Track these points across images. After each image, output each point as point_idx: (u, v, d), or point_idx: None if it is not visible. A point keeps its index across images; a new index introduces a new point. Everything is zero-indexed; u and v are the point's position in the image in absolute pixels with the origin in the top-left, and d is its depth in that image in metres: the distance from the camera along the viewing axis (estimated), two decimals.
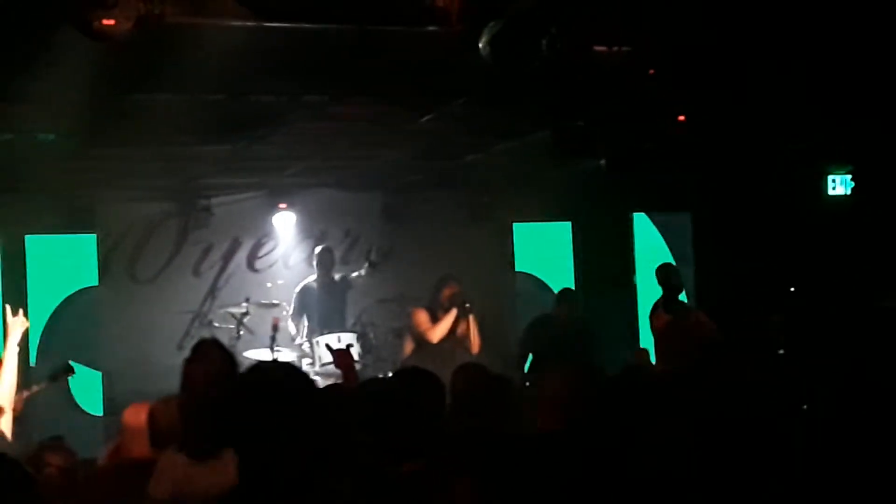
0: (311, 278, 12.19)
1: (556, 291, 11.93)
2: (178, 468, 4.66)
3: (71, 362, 7.52)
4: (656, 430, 4.30)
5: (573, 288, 12.15)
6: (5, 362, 6.00)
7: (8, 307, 6.20)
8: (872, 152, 11.54)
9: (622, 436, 4.25)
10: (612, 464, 4.16)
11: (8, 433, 5.75)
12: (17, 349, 6.06)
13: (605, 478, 4.11)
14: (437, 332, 10.40)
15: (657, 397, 4.57)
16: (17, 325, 6.16)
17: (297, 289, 12.15)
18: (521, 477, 4.26)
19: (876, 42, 8.11)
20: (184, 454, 4.68)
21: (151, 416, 5.36)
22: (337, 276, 12.21)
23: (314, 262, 12.28)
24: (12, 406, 6.01)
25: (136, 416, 5.78)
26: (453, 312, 10.43)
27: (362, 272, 12.37)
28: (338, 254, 12.83)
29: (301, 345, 11.83)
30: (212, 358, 4.89)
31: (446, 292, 10.54)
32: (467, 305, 10.51)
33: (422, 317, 10.55)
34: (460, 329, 10.58)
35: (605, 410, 4.46)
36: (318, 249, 12.42)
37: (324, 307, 11.82)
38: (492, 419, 5.26)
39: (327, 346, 8.29)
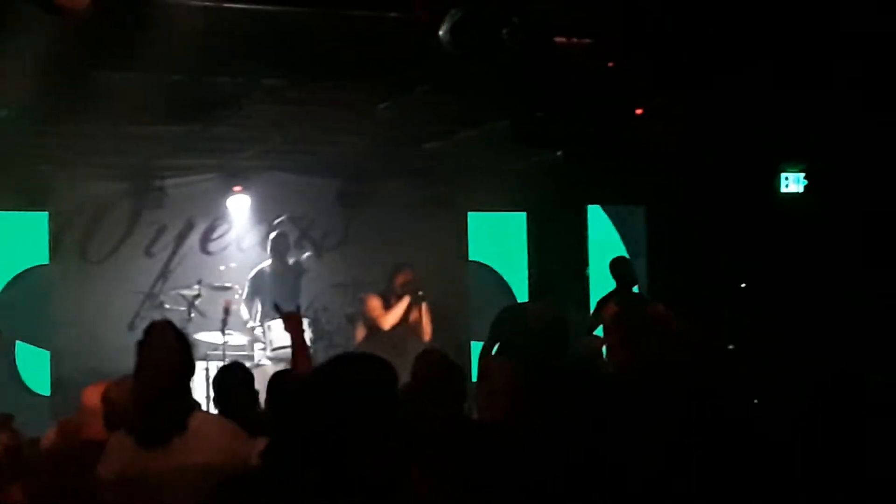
0: (266, 263, 12.16)
1: (507, 281, 11.96)
2: (127, 451, 4.63)
3: (13, 336, 7.40)
4: (608, 423, 4.32)
5: (514, 278, 12.14)
6: None
7: None
8: (826, 151, 11.64)
9: (569, 428, 4.26)
10: (558, 455, 4.17)
11: None
12: None
13: (552, 468, 4.12)
14: (390, 319, 10.43)
15: (606, 389, 4.59)
16: None
17: (251, 273, 12.11)
18: (470, 464, 4.27)
19: (831, 40, 8.18)
20: (133, 438, 4.64)
21: (105, 397, 5.33)
22: (291, 261, 12.19)
23: (268, 247, 12.25)
24: None
25: (95, 396, 5.76)
26: (406, 299, 10.46)
27: (309, 254, 12.39)
28: (292, 238, 12.79)
29: (253, 328, 11.80)
30: (166, 340, 4.82)
31: (400, 279, 10.58)
32: (420, 293, 10.54)
33: (374, 303, 10.58)
34: (413, 316, 10.61)
35: (549, 402, 4.46)
36: (272, 234, 12.38)
37: (277, 292, 11.78)
38: (450, 406, 5.28)
39: (275, 305, 8.12)
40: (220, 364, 10.69)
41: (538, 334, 10.52)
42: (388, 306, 10.55)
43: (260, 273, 12.06)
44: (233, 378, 6.49)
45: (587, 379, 4.70)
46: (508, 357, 10.17)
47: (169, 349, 4.77)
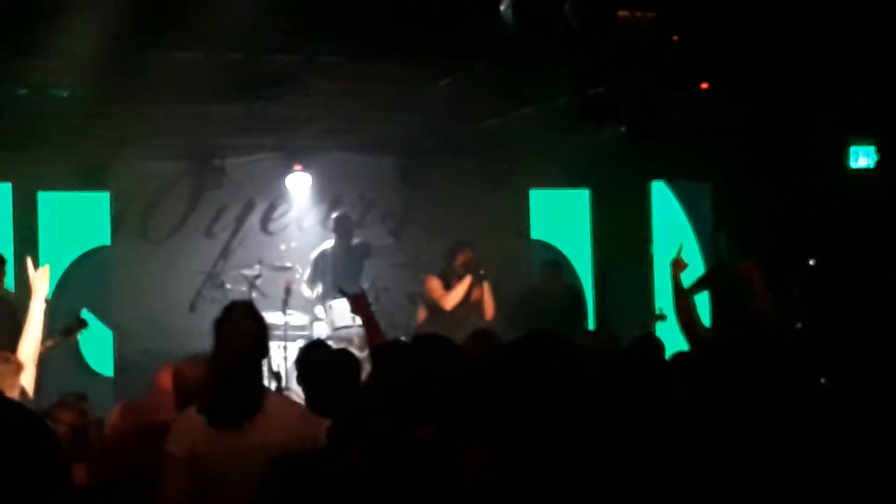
0: (328, 243, 12.14)
1: (561, 263, 11.84)
2: (197, 430, 4.60)
3: (83, 315, 7.41)
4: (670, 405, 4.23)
5: (577, 255, 11.98)
6: (31, 318, 5.92)
7: (30, 261, 6.11)
8: None
9: (629, 412, 4.17)
10: (617, 441, 4.09)
11: (30, 389, 5.67)
12: (43, 305, 5.98)
13: (611, 452, 4.03)
14: (451, 299, 10.36)
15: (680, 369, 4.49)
16: (41, 279, 6.07)
17: (315, 254, 12.10)
18: (533, 451, 4.18)
19: None
20: (204, 417, 4.60)
21: (177, 376, 5.31)
22: (355, 242, 12.16)
23: (332, 227, 12.23)
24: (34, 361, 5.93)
25: (168, 377, 5.73)
26: (467, 279, 10.37)
27: (389, 241, 12.39)
28: (353, 217, 12.77)
29: (314, 308, 11.80)
30: (246, 321, 4.77)
31: (460, 259, 10.49)
32: (482, 272, 10.45)
33: (434, 283, 10.50)
34: (474, 295, 10.52)
35: (613, 383, 4.37)
36: (335, 215, 12.36)
37: (339, 272, 11.76)
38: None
39: (340, 289, 8.14)
40: (283, 344, 10.76)
41: (557, 314, 10.49)
42: (448, 286, 10.47)
43: (322, 253, 12.05)
44: (318, 356, 6.40)
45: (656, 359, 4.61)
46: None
47: (248, 330, 4.75)
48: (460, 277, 10.45)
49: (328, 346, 6.69)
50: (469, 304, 10.50)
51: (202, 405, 4.66)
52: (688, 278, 7.34)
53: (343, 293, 7.42)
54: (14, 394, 5.38)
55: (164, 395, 5.56)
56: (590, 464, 3.77)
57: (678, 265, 7.31)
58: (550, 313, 10.51)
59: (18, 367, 5.62)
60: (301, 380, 5.88)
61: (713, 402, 4.37)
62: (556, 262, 11.64)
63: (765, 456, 4.08)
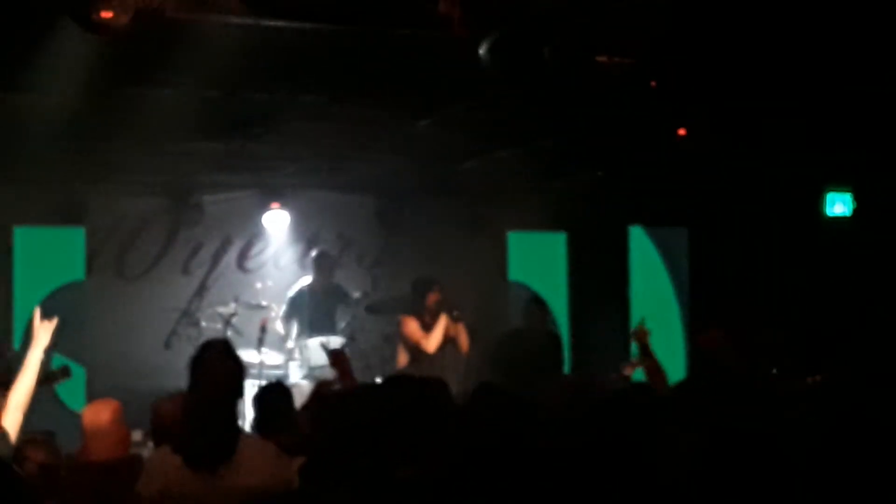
0: (305, 282, 12.10)
1: (546, 303, 11.77)
2: (172, 469, 4.56)
3: (67, 363, 7.37)
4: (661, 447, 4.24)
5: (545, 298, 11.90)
6: (28, 366, 5.87)
7: (37, 310, 6.06)
8: (874, 172, 11.46)
9: (623, 453, 4.18)
10: (610, 482, 4.10)
11: (13, 434, 5.61)
12: (42, 356, 5.94)
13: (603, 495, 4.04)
14: (433, 342, 10.24)
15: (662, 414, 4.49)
16: (45, 330, 6.03)
17: (291, 292, 12.06)
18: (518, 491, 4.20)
19: (879, 61, 8.06)
20: (180, 457, 4.56)
21: (155, 411, 5.30)
22: (333, 281, 12.14)
23: (312, 266, 12.20)
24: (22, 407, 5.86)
25: (95, 415, 5.71)
26: (443, 318, 10.30)
27: (363, 293, 12.40)
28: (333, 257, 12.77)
29: (290, 348, 11.75)
30: (222, 360, 4.74)
31: (431, 297, 10.39)
32: (455, 313, 10.38)
33: (412, 325, 10.39)
34: (450, 332, 10.45)
35: (604, 428, 4.37)
36: (315, 252, 12.34)
37: (315, 311, 11.73)
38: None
39: (322, 345, 8.22)
40: (258, 383, 10.71)
41: (542, 356, 10.43)
42: (424, 326, 10.41)
43: (300, 292, 12.02)
44: (274, 397, 6.45)
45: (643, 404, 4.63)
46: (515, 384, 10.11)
47: (224, 369, 4.74)
48: (434, 316, 10.36)
49: (286, 387, 6.74)
50: (447, 343, 10.43)
51: (178, 445, 4.61)
52: (657, 326, 7.42)
53: (325, 349, 7.50)
54: None
55: (95, 433, 5.55)
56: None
57: (641, 334, 7.40)
58: (532, 354, 10.46)
59: None
60: (258, 423, 5.89)
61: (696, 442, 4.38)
62: (541, 301, 11.55)
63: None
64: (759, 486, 4.13)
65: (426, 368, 9.31)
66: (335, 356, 6.34)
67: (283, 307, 11.97)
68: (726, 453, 4.24)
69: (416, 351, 10.38)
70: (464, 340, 10.53)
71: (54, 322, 6.00)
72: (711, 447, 4.25)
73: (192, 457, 4.57)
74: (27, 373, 5.82)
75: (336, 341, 11.01)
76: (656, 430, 4.35)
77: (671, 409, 4.61)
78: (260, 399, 6.38)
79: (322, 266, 12.14)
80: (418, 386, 4.23)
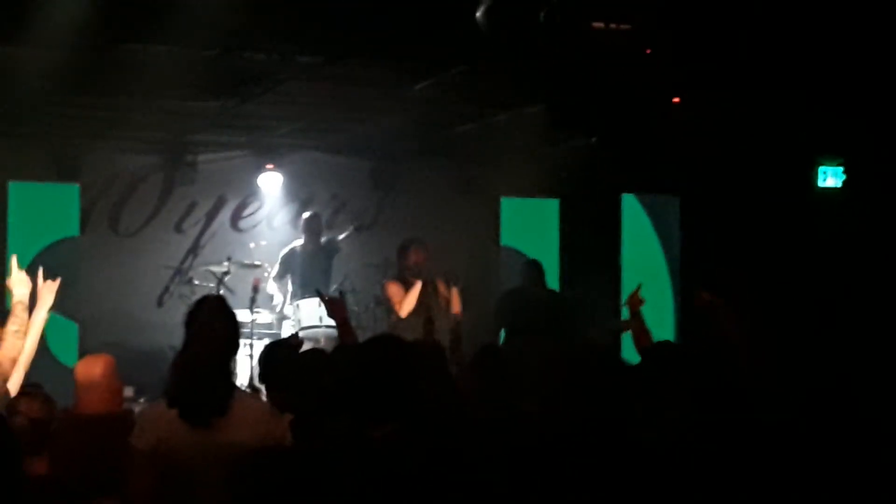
0: (298, 242, 12.13)
1: (542, 265, 11.70)
2: (165, 424, 4.58)
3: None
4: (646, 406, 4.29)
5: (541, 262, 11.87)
6: (32, 327, 5.90)
7: (41, 271, 6.08)
8: (865, 144, 11.49)
9: (603, 416, 4.22)
10: (584, 445, 4.14)
11: (13, 391, 5.64)
12: (45, 316, 5.97)
13: (578, 459, 4.09)
14: (405, 307, 9.95)
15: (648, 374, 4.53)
16: (49, 291, 6.06)
17: (283, 252, 12.08)
18: (488, 450, 4.24)
19: (871, 34, 8.08)
20: (175, 410, 4.60)
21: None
22: (324, 240, 12.15)
23: (302, 228, 12.20)
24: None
25: (88, 369, 5.74)
26: (418, 285, 9.94)
27: (349, 231, 12.35)
28: (324, 218, 12.77)
29: (281, 307, 11.79)
30: (218, 316, 4.76)
31: (412, 258, 10.10)
32: (448, 277, 10.16)
33: (394, 289, 10.14)
34: (444, 296, 10.25)
35: (585, 390, 4.41)
36: (306, 215, 12.34)
37: (308, 271, 11.76)
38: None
39: (317, 291, 8.14)
40: (250, 342, 10.76)
41: (541, 316, 10.42)
42: (406, 288, 10.18)
43: (292, 252, 12.04)
44: (281, 354, 6.40)
45: (612, 364, 4.67)
46: (516, 341, 10.10)
47: (220, 325, 4.72)
48: (416, 277, 10.09)
49: (291, 345, 6.67)
50: (432, 304, 10.20)
51: (173, 398, 4.64)
52: (648, 294, 7.42)
53: (320, 296, 7.42)
54: None
55: (88, 387, 5.58)
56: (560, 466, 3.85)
57: (635, 302, 7.39)
58: (535, 313, 10.47)
59: None
60: (263, 378, 5.90)
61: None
62: (537, 263, 11.46)
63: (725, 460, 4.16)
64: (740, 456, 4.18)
65: (408, 331, 9.17)
66: (332, 305, 6.30)
67: (276, 267, 12.00)
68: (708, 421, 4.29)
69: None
70: (456, 304, 10.33)
71: (57, 282, 6.03)
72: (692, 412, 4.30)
73: (187, 411, 4.58)
74: (31, 333, 5.85)
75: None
76: (639, 394, 4.39)
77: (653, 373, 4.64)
78: (267, 356, 6.32)
79: (313, 228, 12.14)
80: (401, 346, 4.29)
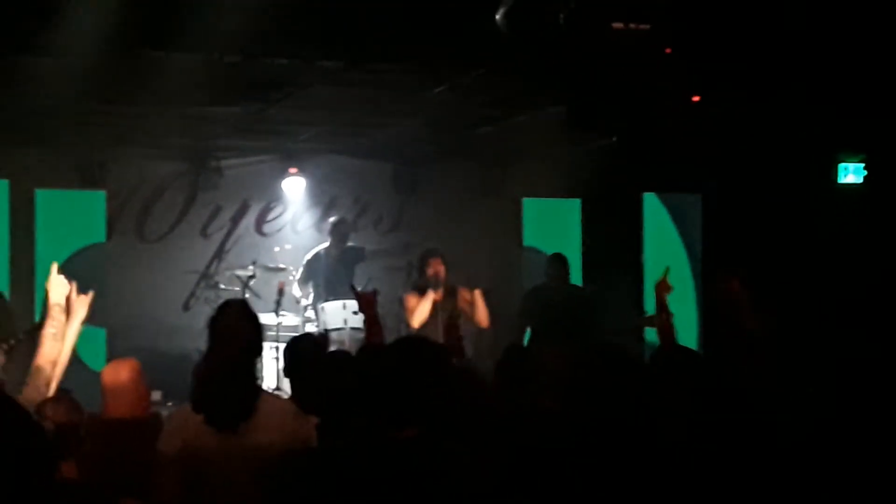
0: (322, 246, 12.18)
1: (567, 260, 11.63)
2: (192, 428, 4.61)
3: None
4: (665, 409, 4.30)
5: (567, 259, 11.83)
6: (67, 338, 5.96)
7: (74, 285, 6.15)
8: (886, 141, 11.46)
9: (624, 416, 4.24)
10: (609, 446, 4.16)
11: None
12: (79, 328, 6.04)
13: (600, 459, 4.11)
14: (416, 319, 9.94)
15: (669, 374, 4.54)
16: (82, 304, 6.12)
17: (308, 256, 12.14)
18: (517, 451, 4.26)
19: (891, 31, 8.07)
20: (201, 415, 4.62)
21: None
22: (349, 245, 12.19)
23: (328, 232, 12.24)
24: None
25: (115, 374, 5.78)
26: (430, 295, 9.92)
27: (380, 245, 12.42)
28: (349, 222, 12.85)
29: (306, 310, 11.85)
30: (240, 320, 4.77)
31: (429, 270, 10.12)
32: (450, 285, 10.07)
33: (411, 301, 10.12)
34: (465, 302, 10.26)
35: (606, 389, 4.43)
36: (332, 219, 12.37)
37: (332, 275, 11.81)
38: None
39: (352, 287, 8.11)
40: (275, 345, 10.81)
41: (565, 314, 10.40)
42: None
43: (316, 256, 12.09)
44: (306, 348, 6.41)
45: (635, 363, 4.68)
46: (541, 341, 10.08)
47: (243, 329, 4.73)
48: (433, 288, 10.09)
49: (316, 339, 6.69)
50: (454, 310, 10.18)
51: (199, 403, 4.67)
52: (674, 299, 7.37)
53: (353, 290, 7.41)
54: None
55: (115, 392, 5.63)
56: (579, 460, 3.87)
57: (663, 288, 7.33)
58: (559, 311, 10.45)
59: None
60: (288, 372, 5.93)
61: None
62: (563, 258, 11.39)
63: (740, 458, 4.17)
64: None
65: (430, 336, 9.15)
66: (364, 299, 6.29)
67: (300, 270, 12.07)
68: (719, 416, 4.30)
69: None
70: (482, 311, 10.18)
71: (90, 296, 6.09)
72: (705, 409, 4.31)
73: (213, 415, 4.60)
74: (66, 345, 5.91)
75: (352, 305, 11.04)
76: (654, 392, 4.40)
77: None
78: (292, 348, 6.33)
79: (339, 232, 12.19)
80: (428, 348, 4.31)
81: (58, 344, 5.71)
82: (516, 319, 10.92)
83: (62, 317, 5.78)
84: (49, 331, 5.75)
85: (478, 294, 10.17)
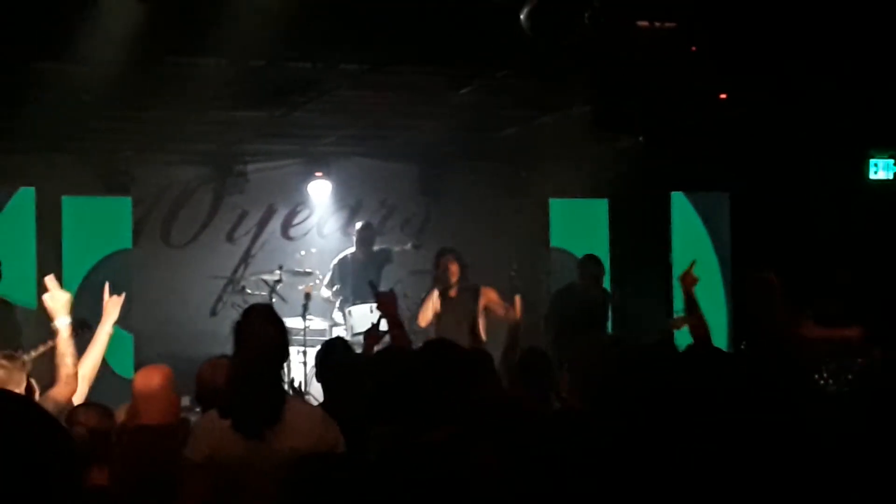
0: (349, 250, 12.17)
1: (601, 261, 11.60)
2: (218, 434, 4.58)
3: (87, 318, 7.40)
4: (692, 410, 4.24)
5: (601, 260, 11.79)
6: (96, 340, 5.97)
7: (107, 286, 6.16)
8: None
9: (653, 415, 4.19)
10: (640, 446, 4.11)
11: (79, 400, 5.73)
12: (110, 330, 6.05)
13: (630, 460, 4.06)
14: (421, 317, 10.04)
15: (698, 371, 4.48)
16: (114, 306, 6.14)
17: (335, 260, 12.14)
18: (545, 453, 4.22)
19: None
20: (228, 421, 4.60)
21: (200, 376, 5.37)
22: (376, 248, 12.17)
23: (354, 237, 12.21)
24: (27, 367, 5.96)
25: (147, 380, 5.79)
26: (434, 294, 9.97)
27: (407, 247, 12.36)
28: (373, 224, 12.84)
29: (335, 314, 11.84)
30: (266, 325, 4.75)
31: (444, 269, 10.15)
32: (453, 281, 10.07)
33: (429, 299, 10.22)
34: (484, 304, 10.21)
35: (634, 388, 4.39)
36: (358, 224, 12.34)
37: (359, 279, 11.79)
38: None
39: (370, 283, 8.11)
40: (302, 349, 10.80)
41: (596, 312, 10.36)
42: (445, 297, 10.20)
43: (343, 260, 12.09)
44: (336, 354, 6.40)
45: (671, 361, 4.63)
46: (567, 342, 10.05)
47: (268, 334, 4.71)
48: (444, 287, 10.13)
49: (348, 345, 6.67)
50: (475, 311, 10.17)
51: (226, 409, 4.65)
52: (700, 292, 7.32)
53: (373, 288, 7.40)
54: (20, 390, 5.44)
55: (146, 398, 5.62)
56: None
57: (689, 279, 7.28)
58: (586, 312, 10.39)
59: (24, 365, 5.68)
60: (320, 377, 5.91)
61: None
62: (594, 257, 11.33)
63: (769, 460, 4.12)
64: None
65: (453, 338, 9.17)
66: (382, 299, 6.25)
67: (328, 274, 12.06)
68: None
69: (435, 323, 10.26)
70: (512, 311, 10.15)
71: (122, 297, 6.10)
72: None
73: (240, 421, 4.57)
74: (97, 346, 5.92)
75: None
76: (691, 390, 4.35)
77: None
78: (323, 354, 6.32)
79: (365, 237, 12.17)
80: (457, 351, 4.28)
81: (69, 388, 5.73)
82: (544, 320, 10.88)
83: (70, 348, 5.79)
84: (64, 371, 5.77)
85: (517, 299, 10.09)
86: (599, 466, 4.01)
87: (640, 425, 4.18)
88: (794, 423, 4.18)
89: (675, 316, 10.13)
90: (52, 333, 5.98)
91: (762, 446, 4.04)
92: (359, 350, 9.62)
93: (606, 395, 4.46)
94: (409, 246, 12.53)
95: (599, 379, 4.64)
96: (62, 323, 5.91)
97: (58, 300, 5.99)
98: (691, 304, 7.18)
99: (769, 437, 4.09)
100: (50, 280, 6.12)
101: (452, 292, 10.10)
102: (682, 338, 8.49)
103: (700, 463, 3.98)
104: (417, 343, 8.13)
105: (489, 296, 10.16)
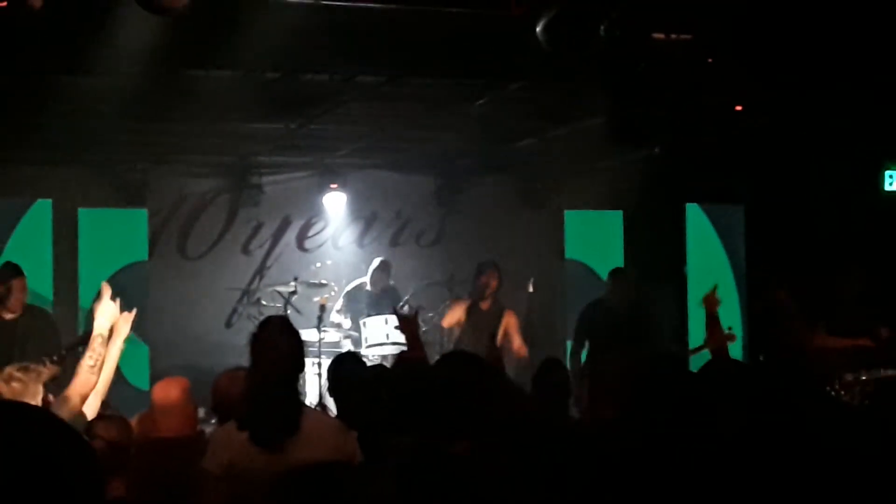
0: (363, 279, 12.11)
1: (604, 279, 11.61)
2: (236, 445, 4.60)
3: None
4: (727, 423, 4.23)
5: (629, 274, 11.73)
6: (109, 358, 5.99)
7: (118, 301, 6.17)
8: None
9: (683, 428, 4.18)
10: (665, 457, 4.10)
11: (91, 416, 5.73)
12: (122, 346, 6.06)
13: (656, 471, 4.05)
14: (446, 318, 10.31)
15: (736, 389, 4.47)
16: (125, 322, 6.15)
17: (348, 287, 12.15)
18: (568, 463, 4.21)
19: None
20: (245, 433, 4.61)
21: (214, 388, 5.38)
22: (391, 283, 12.08)
23: (373, 271, 12.11)
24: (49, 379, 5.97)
25: (165, 392, 5.80)
26: (462, 302, 10.22)
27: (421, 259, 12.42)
28: (388, 235, 12.84)
29: (349, 328, 11.84)
30: (282, 337, 4.77)
31: (481, 280, 10.29)
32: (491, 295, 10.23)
33: (452, 306, 10.40)
34: (506, 323, 10.29)
35: (664, 400, 4.38)
36: (375, 263, 12.16)
37: (371, 305, 11.76)
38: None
39: (393, 309, 8.23)
40: (317, 361, 10.81)
41: (625, 325, 10.33)
42: (476, 308, 10.32)
43: (356, 290, 12.07)
44: (349, 368, 6.42)
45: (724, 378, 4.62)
46: (599, 352, 10.05)
47: (284, 345, 4.73)
48: (482, 298, 10.30)
49: (359, 358, 6.71)
50: (496, 328, 10.21)
51: (243, 421, 4.66)
52: (722, 311, 7.31)
53: (394, 310, 7.48)
54: (37, 402, 5.45)
55: (165, 409, 5.63)
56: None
57: (712, 302, 7.27)
58: (615, 325, 10.34)
59: (39, 375, 5.69)
60: (332, 391, 5.92)
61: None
62: (623, 270, 11.27)
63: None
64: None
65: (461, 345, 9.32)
66: (404, 321, 6.30)
67: (340, 301, 12.06)
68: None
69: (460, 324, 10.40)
70: (513, 335, 10.24)
71: (133, 313, 6.11)
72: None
73: (257, 433, 4.59)
74: (108, 362, 5.93)
75: (394, 320, 11.02)
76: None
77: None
78: (335, 369, 6.34)
79: (382, 272, 12.10)
80: (476, 362, 4.27)
81: (93, 377, 5.74)
82: (573, 335, 10.75)
83: (102, 349, 5.81)
84: (87, 363, 5.78)
85: (509, 315, 10.20)
86: (624, 476, 4.01)
87: (668, 434, 4.17)
88: (816, 435, 4.17)
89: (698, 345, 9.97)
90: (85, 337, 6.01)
91: (785, 458, 4.03)
92: (370, 363, 9.70)
93: (638, 405, 4.44)
94: (424, 259, 12.54)
95: (630, 389, 4.63)
96: (99, 330, 5.92)
97: (103, 311, 6.00)
98: (714, 325, 7.17)
99: (792, 449, 4.08)
100: (105, 287, 6.14)
101: (484, 305, 10.25)
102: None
103: (722, 471, 3.97)
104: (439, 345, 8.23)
105: (510, 321, 10.31)
